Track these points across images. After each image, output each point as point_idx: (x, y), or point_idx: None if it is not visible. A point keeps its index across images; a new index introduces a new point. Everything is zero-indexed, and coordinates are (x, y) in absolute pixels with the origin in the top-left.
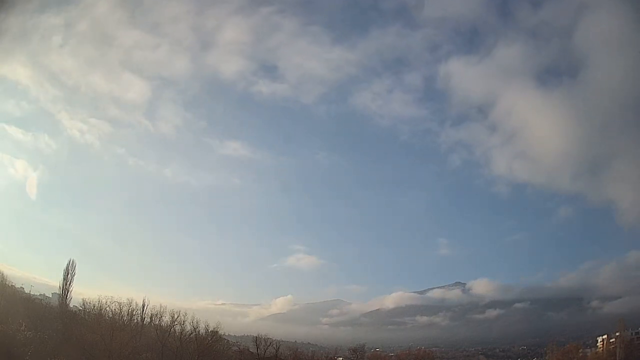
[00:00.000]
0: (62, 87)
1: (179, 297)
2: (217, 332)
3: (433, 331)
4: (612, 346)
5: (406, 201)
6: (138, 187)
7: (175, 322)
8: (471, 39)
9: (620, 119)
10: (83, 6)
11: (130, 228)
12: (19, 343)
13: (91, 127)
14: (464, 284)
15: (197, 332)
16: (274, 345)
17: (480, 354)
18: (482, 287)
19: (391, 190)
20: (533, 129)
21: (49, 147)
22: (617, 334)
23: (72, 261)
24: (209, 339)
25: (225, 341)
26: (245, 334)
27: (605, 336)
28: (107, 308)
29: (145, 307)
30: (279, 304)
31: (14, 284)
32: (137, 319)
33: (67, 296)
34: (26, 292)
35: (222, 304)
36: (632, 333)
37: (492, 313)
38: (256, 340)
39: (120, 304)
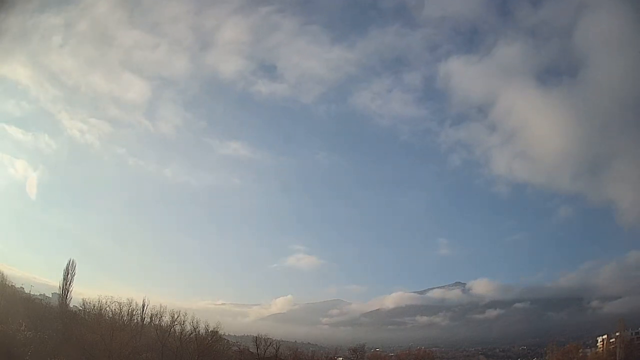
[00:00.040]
0: (62, 87)
1: (179, 297)
2: (217, 332)
3: (433, 331)
4: (612, 346)
5: (406, 201)
6: (138, 187)
7: (175, 322)
8: (471, 39)
9: (620, 119)
10: (83, 6)
11: (130, 228)
12: (19, 343)
13: (91, 127)
14: (464, 284)
15: (197, 332)
16: (274, 345)
17: (480, 354)
18: (482, 287)
19: (391, 190)
20: (533, 128)
21: (49, 147)
22: (617, 334)
23: (72, 261)
24: (209, 339)
25: (225, 341)
26: (245, 334)
27: (605, 336)
28: (107, 308)
29: (145, 307)
30: (279, 304)
31: (14, 284)
32: (137, 319)
33: (67, 296)
34: (26, 292)
35: (222, 304)
36: (632, 333)
37: (492, 313)
38: (256, 340)
39: (120, 304)
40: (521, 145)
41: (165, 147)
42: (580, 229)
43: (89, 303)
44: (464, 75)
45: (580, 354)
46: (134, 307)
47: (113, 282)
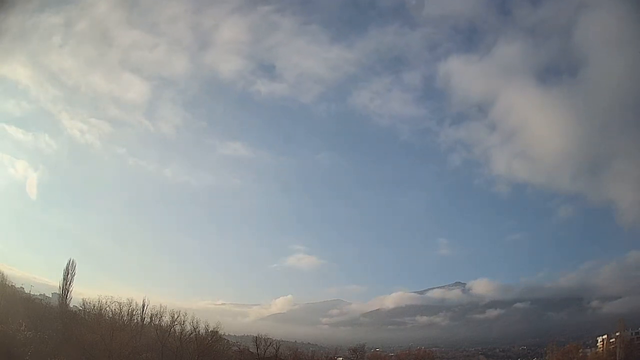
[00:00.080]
0: (62, 87)
1: (179, 297)
2: (217, 332)
3: (433, 331)
4: (612, 346)
5: (406, 201)
6: (138, 187)
7: (175, 322)
8: (470, 38)
9: (620, 119)
10: (82, 6)
11: (130, 228)
12: (19, 343)
13: (91, 127)
14: (464, 284)
15: (197, 332)
16: (274, 345)
17: (480, 354)
18: (482, 287)
19: (391, 190)
20: (533, 128)
21: (49, 147)
22: (617, 334)
23: (72, 261)
24: (209, 339)
25: (225, 341)
26: (245, 334)
27: (605, 336)
28: (107, 308)
29: (145, 307)
30: (279, 304)
31: (14, 284)
32: (137, 319)
33: (67, 296)
34: (26, 292)
35: (222, 304)
36: (632, 333)
37: (492, 313)
38: (256, 340)
39: (120, 304)
40: (521, 145)
41: (165, 147)
42: (580, 229)
43: (89, 303)
44: (463, 74)
45: (580, 354)
46: (134, 307)
47: (113, 282)
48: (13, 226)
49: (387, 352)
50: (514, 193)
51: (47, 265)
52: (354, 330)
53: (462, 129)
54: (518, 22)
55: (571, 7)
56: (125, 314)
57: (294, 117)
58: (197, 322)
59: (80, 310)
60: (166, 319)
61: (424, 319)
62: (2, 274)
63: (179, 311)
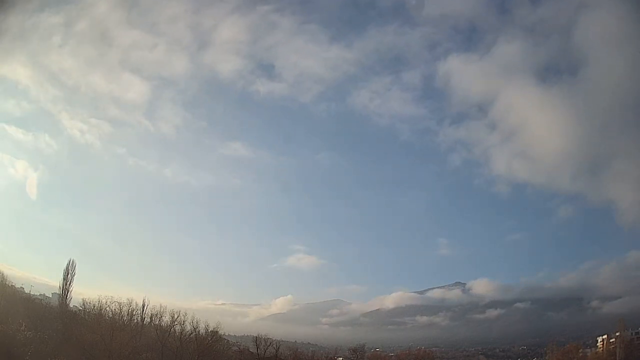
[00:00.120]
0: (62, 87)
1: (179, 297)
2: (217, 332)
3: (433, 331)
4: (612, 346)
5: (406, 201)
6: (138, 187)
7: (175, 322)
8: (470, 37)
9: (620, 119)
10: (82, 6)
11: (130, 228)
12: (19, 343)
13: (91, 127)
14: (464, 284)
15: (197, 332)
16: (274, 345)
17: (480, 354)
18: (482, 287)
19: (391, 190)
20: (533, 127)
21: (49, 147)
22: (617, 334)
23: (72, 261)
24: (209, 339)
25: (225, 341)
26: (245, 334)
27: (605, 336)
28: (107, 308)
29: (145, 307)
30: (279, 304)
31: (14, 284)
32: (137, 319)
33: (67, 296)
34: (26, 292)
35: (222, 304)
36: (632, 333)
37: (492, 313)
38: (256, 340)
39: (120, 304)
40: (521, 144)
41: (165, 147)
42: (580, 229)
43: (89, 303)
44: (463, 74)
45: (580, 354)
46: (134, 307)
47: (113, 282)
48: (13, 226)
49: (387, 352)
50: (514, 193)
51: (47, 265)
52: (354, 330)
53: (462, 128)
54: (518, 21)
55: (571, 6)
56: (125, 314)
57: (293, 116)
58: (197, 322)
59: (80, 310)
60: (166, 319)
61: (424, 319)
62: (2, 274)
63: (179, 311)
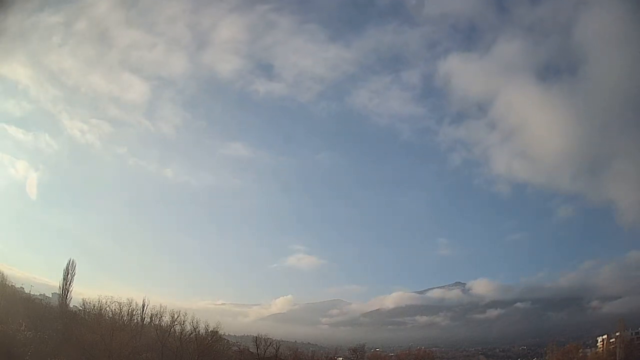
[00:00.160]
0: (62, 87)
1: (179, 297)
2: (217, 332)
3: (433, 331)
4: (612, 346)
5: (406, 201)
6: (138, 187)
7: (175, 322)
8: (470, 36)
9: (620, 119)
10: (81, 5)
11: (130, 228)
12: (19, 343)
13: (92, 127)
14: (464, 284)
15: (197, 332)
16: (274, 345)
17: (480, 354)
18: (482, 287)
19: (391, 190)
20: (533, 127)
21: (49, 147)
22: (617, 334)
23: (72, 261)
24: (209, 339)
25: (225, 341)
26: (245, 334)
27: (605, 336)
28: (107, 308)
29: (145, 307)
30: (279, 304)
31: (14, 284)
32: (137, 319)
33: (67, 296)
34: (26, 292)
35: (222, 304)
36: (632, 333)
37: (492, 313)
38: (256, 340)
39: (120, 304)
40: (521, 144)
41: (165, 147)
42: (580, 229)
43: (89, 303)
44: (463, 73)
45: (580, 354)
46: (134, 307)
47: (113, 282)
48: (13, 226)
49: (387, 352)
50: (514, 193)
51: (47, 265)
52: (354, 330)
53: (462, 128)
54: (517, 20)
55: (570, 5)
56: (125, 314)
57: (293, 116)
58: (197, 322)
59: (80, 310)
60: (166, 319)
61: (424, 319)
62: (2, 274)
63: (179, 311)
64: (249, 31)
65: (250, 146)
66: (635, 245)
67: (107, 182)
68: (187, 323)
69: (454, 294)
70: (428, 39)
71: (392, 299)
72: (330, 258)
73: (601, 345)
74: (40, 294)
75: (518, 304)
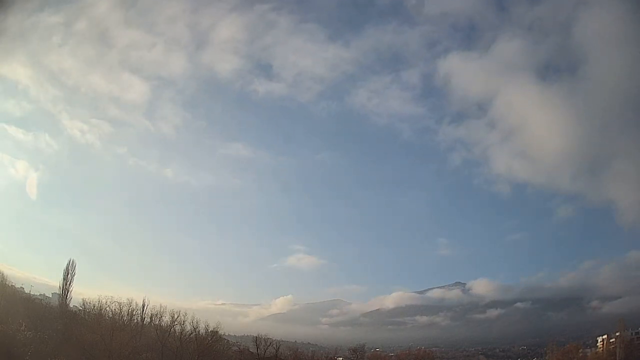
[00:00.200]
0: (62, 87)
1: (179, 297)
2: (217, 332)
3: (433, 331)
4: (612, 346)
5: (406, 201)
6: (138, 187)
7: (175, 322)
8: (469, 35)
9: (620, 118)
10: (81, 5)
11: (130, 228)
12: (19, 343)
13: (92, 127)
14: (464, 284)
15: (197, 332)
16: (274, 345)
17: (480, 354)
18: (482, 287)
19: (391, 190)
20: (532, 126)
21: (49, 147)
22: (617, 334)
23: (72, 261)
24: (209, 339)
25: (225, 341)
26: (245, 334)
27: (605, 336)
28: (107, 308)
29: (145, 307)
30: (279, 304)
31: (14, 284)
32: (137, 319)
33: (67, 296)
34: (26, 292)
35: (222, 304)
36: (632, 333)
37: (492, 313)
38: (256, 340)
39: (120, 304)
40: (521, 144)
41: (165, 147)
42: (580, 229)
43: (89, 303)
44: (462, 72)
45: (580, 354)
46: (134, 307)
47: (113, 282)
48: (13, 226)
49: (387, 352)
50: (514, 193)
51: (47, 265)
52: (354, 330)
53: (462, 127)
54: (517, 19)
55: (570, 4)
56: (125, 314)
57: (292, 116)
58: (197, 322)
59: (80, 310)
60: (166, 319)
61: (424, 319)
62: (2, 274)
63: (179, 311)
64: (248, 31)
65: (250, 146)
66: (635, 245)
67: (107, 182)
68: (187, 323)
69: (454, 294)
70: (428, 39)
71: (392, 299)
72: (330, 258)
73: (601, 345)
74: (40, 294)
75: (518, 304)
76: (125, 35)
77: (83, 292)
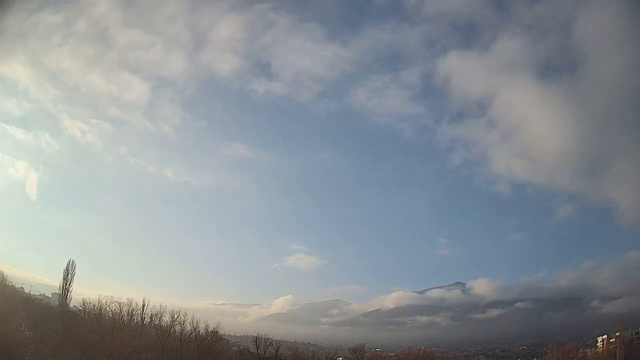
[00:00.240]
0: (62, 87)
1: (179, 297)
2: (217, 332)
3: (433, 331)
4: (612, 346)
5: (406, 201)
6: (139, 187)
7: (175, 322)
8: (469, 34)
9: (620, 118)
10: (81, 5)
11: (130, 228)
12: (19, 343)
13: (92, 127)
14: (464, 284)
15: (197, 332)
16: (274, 345)
17: (480, 354)
18: (482, 287)
19: (391, 190)
20: (532, 126)
21: (50, 147)
22: (617, 334)
23: (72, 261)
24: (209, 339)
25: (225, 341)
26: (245, 334)
27: (605, 336)
28: (107, 308)
29: (145, 307)
30: (279, 304)
31: (14, 284)
32: (137, 319)
33: (67, 296)
34: (26, 292)
35: (222, 304)
36: (632, 333)
37: (492, 313)
38: (256, 340)
39: (120, 304)
40: (521, 144)
41: (165, 147)
42: (580, 229)
43: (89, 303)
44: (462, 71)
45: (580, 354)
46: (134, 307)
47: (113, 282)
48: (13, 226)
49: (387, 352)
50: (514, 193)
51: (47, 265)
52: (354, 330)
53: (461, 126)
54: (517, 18)
55: (570, 3)
56: (125, 314)
57: (292, 116)
58: (197, 322)
59: (80, 310)
60: (166, 319)
61: (424, 319)
62: (2, 274)
63: (179, 311)
64: (247, 30)
65: (250, 146)
66: (635, 245)
67: (108, 182)
68: (187, 323)
69: (454, 294)
70: (427, 38)
71: (392, 299)
72: (330, 258)
73: (601, 345)
74: (40, 294)
75: (518, 304)
76: (125, 35)
77: (83, 292)
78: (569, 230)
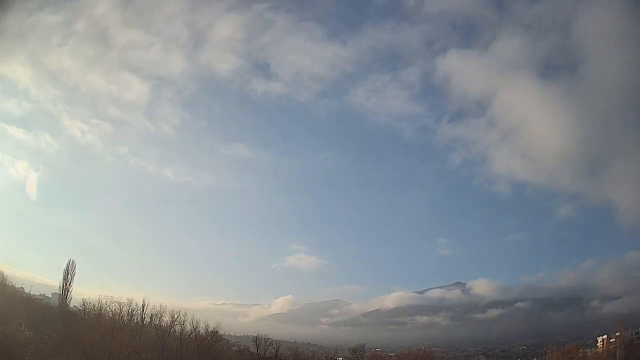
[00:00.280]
0: (62, 87)
1: (179, 297)
2: (217, 332)
3: (433, 331)
4: (612, 346)
5: (406, 201)
6: (139, 187)
7: (175, 322)
8: (469, 33)
9: (620, 118)
10: (81, 5)
11: (130, 228)
12: (19, 343)
13: (92, 127)
14: (464, 284)
15: (197, 332)
16: (274, 345)
17: (480, 354)
18: (482, 287)
19: (391, 190)
20: (532, 125)
21: (50, 147)
22: (617, 334)
23: (72, 261)
24: (209, 339)
25: (225, 341)
26: (245, 334)
27: (605, 336)
28: (107, 308)
29: (145, 307)
30: (279, 304)
31: (14, 284)
32: (137, 319)
33: (67, 296)
34: (26, 292)
35: (222, 304)
36: (632, 333)
37: (492, 313)
38: (256, 340)
39: (120, 304)
40: (521, 144)
41: (166, 147)
42: (580, 229)
43: (89, 303)
44: (462, 70)
45: (580, 354)
46: (134, 307)
47: (113, 282)
48: (13, 226)
49: (387, 352)
50: (514, 193)
51: (47, 265)
52: (354, 330)
53: (461, 126)
54: (516, 17)
55: (569, 3)
56: (125, 314)
57: (292, 116)
58: (197, 322)
59: (80, 310)
60: (166, 319)
61: (424, 319)
62: (2, 274)
63: (179, 311)
64: (246, 30)
65: (250, 146)
66: (635, 245)
67: (108, 182)
68: (187, 323)
69: (454, 294)
70: (427, 37)
71: (392, 299)
72: (330, 258)
73: (601, 345)
74: (40, 294)
75: (518, 304)
76: (125, 35)
77: (83, 292)
78: (569, 230)
